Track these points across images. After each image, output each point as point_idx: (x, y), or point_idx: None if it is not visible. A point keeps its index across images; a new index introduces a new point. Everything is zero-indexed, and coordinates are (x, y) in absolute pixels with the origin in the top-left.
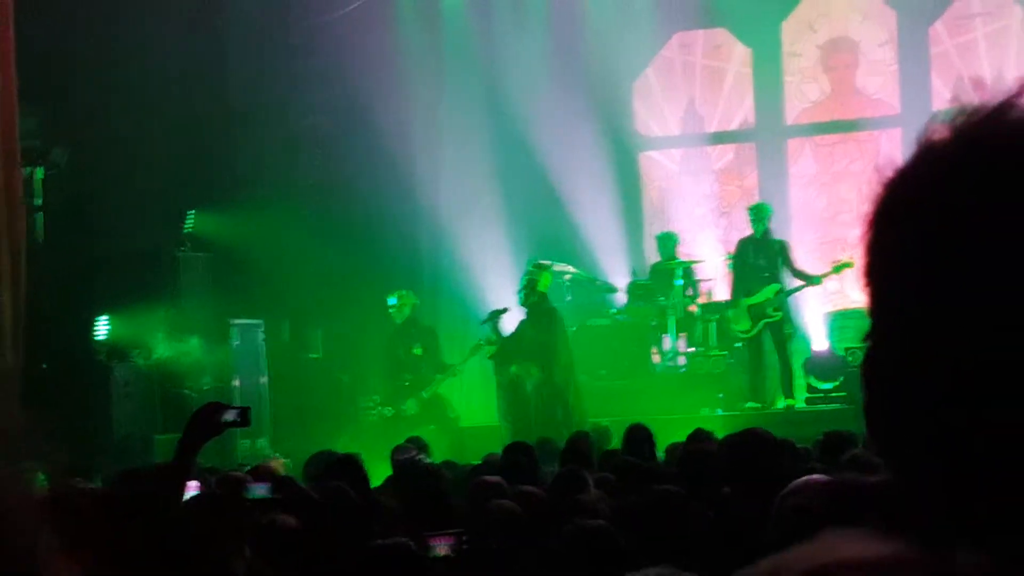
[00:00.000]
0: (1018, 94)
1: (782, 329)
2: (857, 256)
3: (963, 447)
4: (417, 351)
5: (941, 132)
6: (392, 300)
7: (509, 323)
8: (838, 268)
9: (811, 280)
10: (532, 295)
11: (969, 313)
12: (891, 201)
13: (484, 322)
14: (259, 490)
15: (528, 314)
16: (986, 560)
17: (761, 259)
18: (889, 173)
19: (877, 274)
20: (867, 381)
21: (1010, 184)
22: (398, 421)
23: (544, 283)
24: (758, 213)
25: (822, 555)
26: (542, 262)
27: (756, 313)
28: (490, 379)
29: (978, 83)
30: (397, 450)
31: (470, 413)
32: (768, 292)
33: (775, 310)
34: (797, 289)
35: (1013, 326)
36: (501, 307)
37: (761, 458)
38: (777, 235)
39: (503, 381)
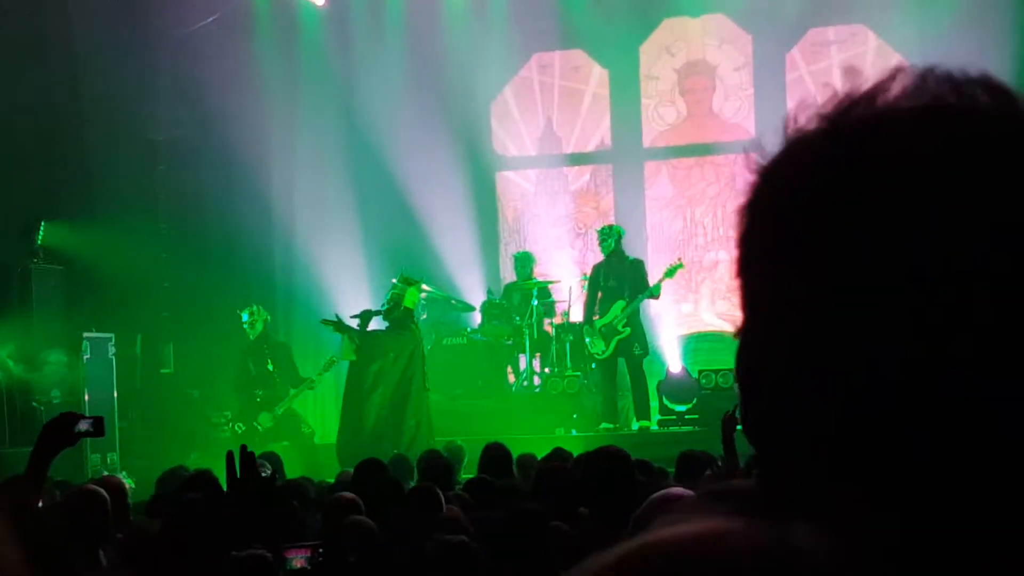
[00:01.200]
0: (887, 81)
1: (633, 349)
2: (684, 258)
3: (841, 437)
4: (270, 367)
5: (811, 121)
6: (244, 316)
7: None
8: (670, 271)
9: (650, 292)
10: (396, 310)
11: (846, 300)
12: (763, 191)
13: (354, 316)
14: None
15: (390, 327)
16: (823, 534)
17: (612, 280)
18: (760, 164)
19: (750, 266)
20: (740, 373)
21: (880, 168)
22: (251, 436)
23: (410, 299)
24: (606, 234)
25: (644, 536)
26: (410, 277)
27: (608, 332)
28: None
29: (849, 72)
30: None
31: (324, 430)
32: (616, 309)
33: (624, 325)
34: (639, 300)
35: (890, 313)
36: (373, 309)
37: (617, 476)
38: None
39: (354, 381)
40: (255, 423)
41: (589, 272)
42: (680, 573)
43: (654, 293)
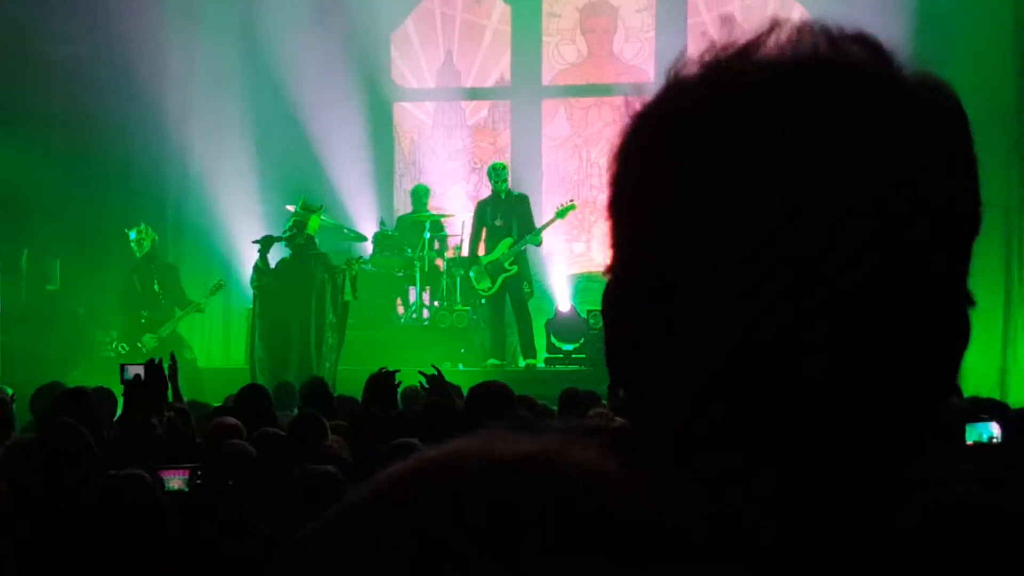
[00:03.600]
0: (765, 34)
1: (521, 287)
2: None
3: (708, 394)
4: (156, 287)
5: (689, 67)
6: (132, 234)
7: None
8: (561, 212)
9: (532, 238)
10: (299, 236)
11: (712, 255)
12: (637, 135)
13: (255, 241)
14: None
15: (293, 255)
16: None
17: (499, 218)
18: (636, 107)
19: (622, 206)
20: (606, 312)
21: (756, 115)
22: (134, 357)
23: (313, 225)
24: (497, 173)
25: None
26: (310, 203)
27: (494, 270)
28: (232, 320)
29: (727, 21)
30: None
31: (209, 354)
32: (503, 247)
33: (511, 264)
34: (523, 243)
35: (751, 278)
36: (276, 235)
37: (501, 410)
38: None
39: (265, 313)
40: (139, 344)
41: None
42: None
43: (535, 241)
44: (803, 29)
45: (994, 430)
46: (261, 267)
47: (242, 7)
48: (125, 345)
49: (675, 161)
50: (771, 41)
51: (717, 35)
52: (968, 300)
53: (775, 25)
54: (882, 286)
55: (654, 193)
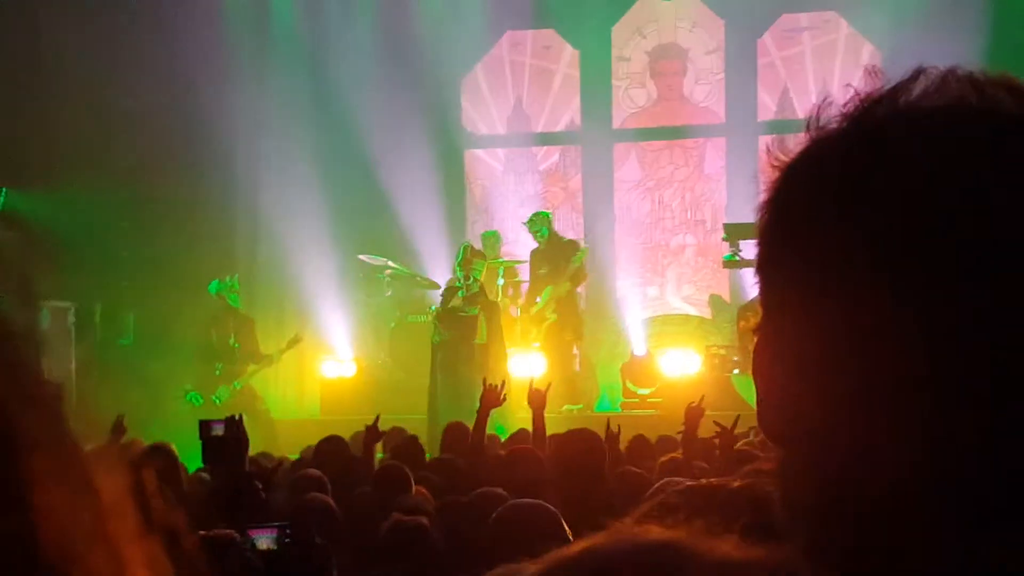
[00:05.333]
0: (909, 81)
1: (563, 335)
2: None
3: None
4: (232, 340)
5: (833, 120)
6: (213, 288)
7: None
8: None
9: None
10: (475, 284)
11: (908, 318)
12: (786, 188)
13: (442, 293)
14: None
15: (466, 303)
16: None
17: (543, 267)
18: (782, 160)
19: (770, 262)
20: (759, 376)
21: (909, 162)
22: (208, 410)
23: (480, 271)
24: (532, 223)
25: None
26: (478, 250)
27: (538, 319)
28: (305, 370)
29: (871, 72)
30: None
31: (283, 405)
32: (545, 295)
33: (552, 311)
34: (547, 293)
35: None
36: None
37: (587, 459)
38: (590, 238)
39: (445, 364)
40: (213, 396)
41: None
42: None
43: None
44: (948, 75)
45: None
46: (441, 317)
47: (311, 57)
48: (199, 397)
49: (830, 215)
50: (916, 88)
51: (858, 83)
52: None
53: (918, 72)
54: None
55: (806, 247)
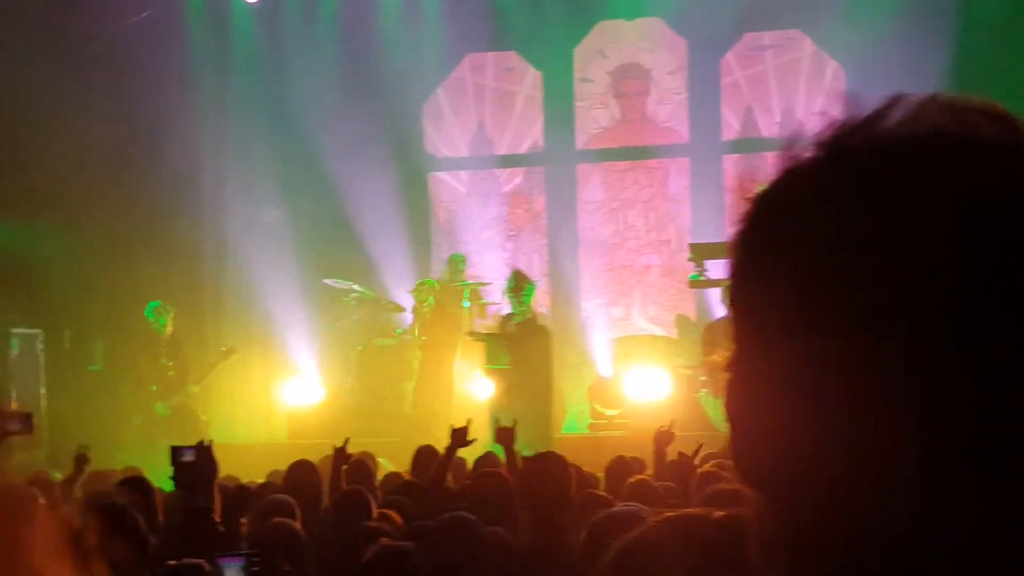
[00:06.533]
0: (886, 108)
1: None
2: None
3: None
4: (164, 361)
5: (807, 149)
6: (149, 314)
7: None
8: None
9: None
10: (528, 311)
11: (881, 357)
12: (759, 221)
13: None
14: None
15: (522, 328)
16: None
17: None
18: (753, 190)
19: (743, 297)
20: (732, 414)
21: (886, 192)
22: (150, 427)
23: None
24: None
25: None
26: (523, 273)
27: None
28: (270, 397)
29: (843, 98)
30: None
31: (249, 430)
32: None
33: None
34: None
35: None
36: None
37: (554, 483)
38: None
39: (509, 390)
40: (156, 409)
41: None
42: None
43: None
44: (926, 102)
45: None
46: (495, 347)
47: (272, 81)
48: (140, 417)
49: (806, 248)
50: (893, 115)
51: (833, 109)
52: None
53: (896, 99)
54: None
55: (781, 282)
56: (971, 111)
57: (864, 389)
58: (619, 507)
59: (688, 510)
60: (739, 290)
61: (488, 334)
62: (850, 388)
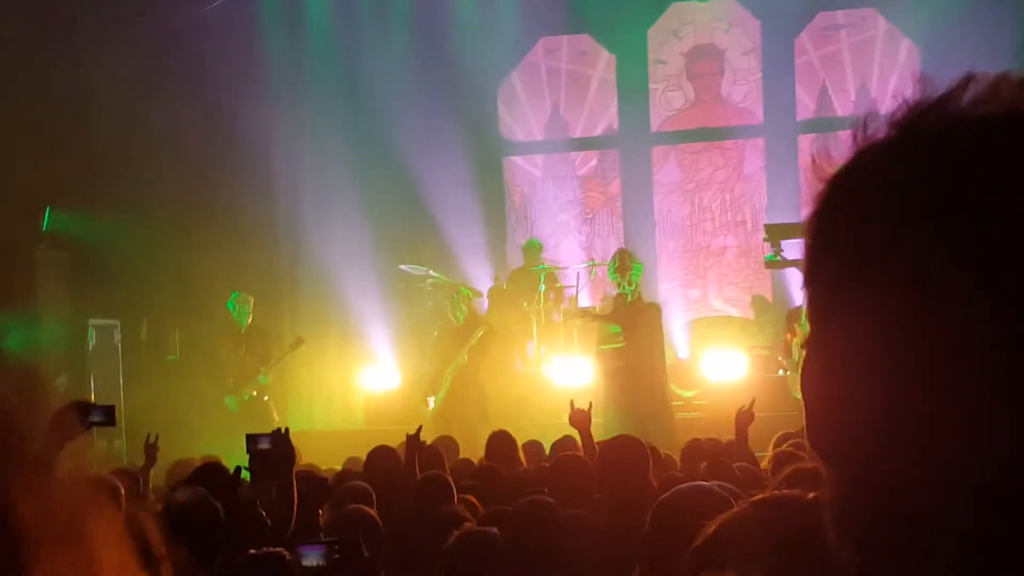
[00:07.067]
0: (959, 88)
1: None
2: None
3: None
4: (241, 353)
5: (880, 129)
6: (231, 304)
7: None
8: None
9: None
10: (637, 290)
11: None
12: (833, 201)
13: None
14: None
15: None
16: None
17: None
18: (827, 170)
19: (818, 277)
20: (808, 393)
21: (960, 171)
22: (219, 417)
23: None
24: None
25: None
26: (629, 252)
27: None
28: (348, 384)
29: (918, 79)
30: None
31: (327, 416)
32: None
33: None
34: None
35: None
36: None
37: (632, 465)
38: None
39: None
40: (227, 402)
41: (598, 257)
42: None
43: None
44: (999, 81)
45: None
46: (608, 327)
47: (347, 68)
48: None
49: (881, 229)
50: (966, 96)
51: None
52: None
53: (968, 79)
54: None
55: (856, 260)
56: None
57: (944, 364)
58: (688, 485)
59: (780, 492)
60: (815, 269)
61: (601, 314)
62: (929, 363)
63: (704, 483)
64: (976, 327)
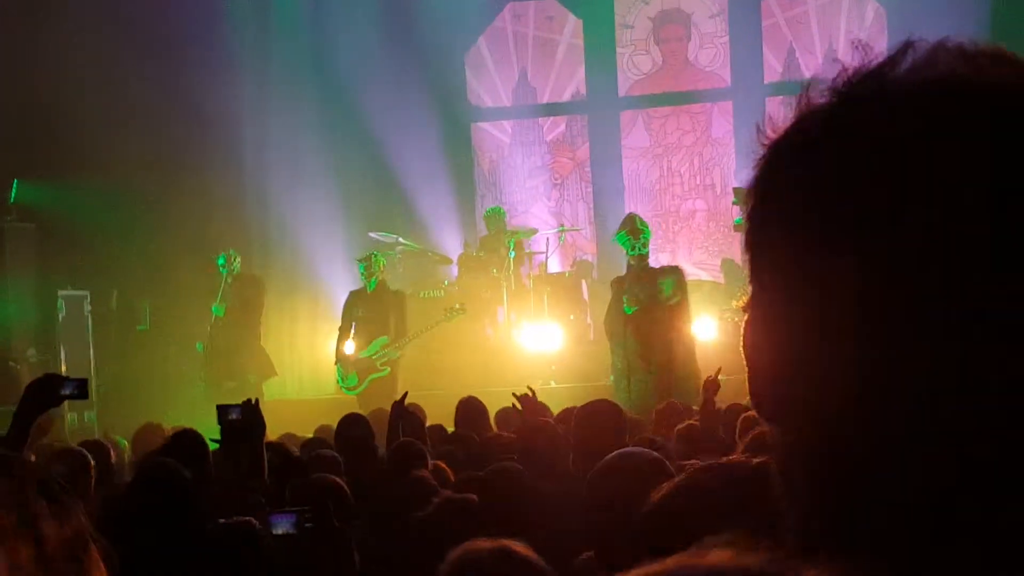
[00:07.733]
0: (898, 55)
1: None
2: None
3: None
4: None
5: (821, 95)
6: (221, 259)
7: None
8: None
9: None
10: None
11: (888, 288)
12: (773, 166)
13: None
14: None
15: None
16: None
17: (360, 310)
18: (767, 138)
19: (759, 242)
20: (750, 354)
21: (894, 135)
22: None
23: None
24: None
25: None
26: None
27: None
28: (319, 351)
29: (858, 46)
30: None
31: (299, 386)
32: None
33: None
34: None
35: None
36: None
37: (606, 430)
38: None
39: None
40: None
41: (567, 223)
42: None
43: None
44: (937, 48)
45: None
46: (632, 285)
47: (313, 38)
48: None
49: (819, 193)
50: (905, 62)
51: (846, 57)
52: None
53: (907, 45)
54: None
55: (795, 226)
56: (981, 55)
57: (866, 318)
58: (618, 452)
59: (729, 458)
60: (752, 232)
61: (625, 276)
62: (853, 317)
63: (636, 448)
64: (881, 289)
